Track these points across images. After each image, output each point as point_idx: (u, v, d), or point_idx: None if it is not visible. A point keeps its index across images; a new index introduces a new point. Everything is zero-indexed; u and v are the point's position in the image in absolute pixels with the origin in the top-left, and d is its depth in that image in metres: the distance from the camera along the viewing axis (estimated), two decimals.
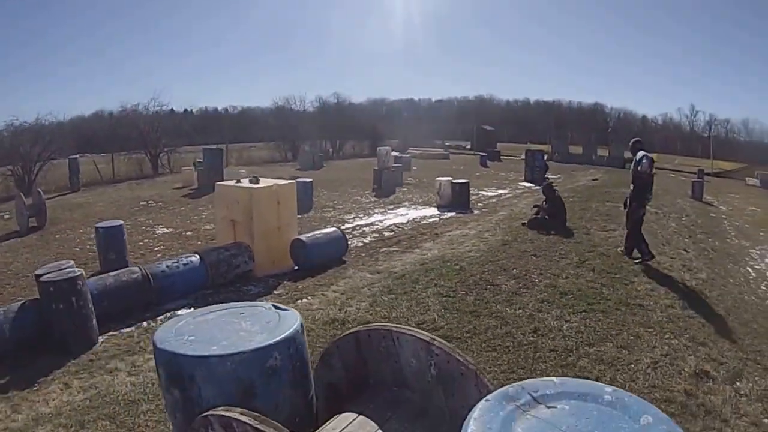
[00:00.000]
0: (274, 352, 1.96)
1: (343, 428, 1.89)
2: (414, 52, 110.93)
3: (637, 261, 7.67)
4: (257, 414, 1.62)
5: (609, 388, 1.59)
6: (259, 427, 1.56)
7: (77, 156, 19.43)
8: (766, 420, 3.79)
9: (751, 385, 4.30)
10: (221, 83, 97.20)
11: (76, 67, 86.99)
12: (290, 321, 2.17)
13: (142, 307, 5.97)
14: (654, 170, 7.88)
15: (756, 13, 78.67)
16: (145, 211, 12.93)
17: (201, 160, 18.49)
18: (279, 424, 1.57)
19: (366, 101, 50.28)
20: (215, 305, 2.54)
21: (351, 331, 2.26)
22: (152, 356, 4.65)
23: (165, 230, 10.65)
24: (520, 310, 5.70)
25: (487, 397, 1.53)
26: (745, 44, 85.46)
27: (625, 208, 8.20)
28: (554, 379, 1.63)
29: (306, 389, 2.15)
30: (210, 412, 1.76)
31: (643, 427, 1.42)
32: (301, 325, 2.23)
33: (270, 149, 33.27)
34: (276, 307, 2.32)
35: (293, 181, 8.97)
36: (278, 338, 2.01)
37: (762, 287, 7.33)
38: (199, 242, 9.40)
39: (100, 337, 5.23)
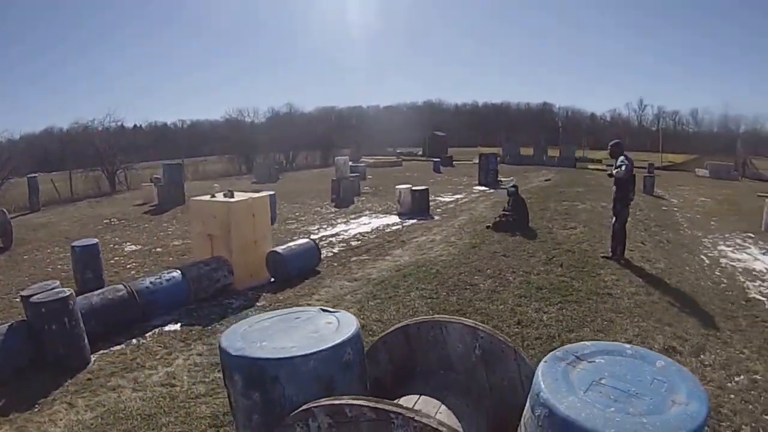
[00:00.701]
0: (348, 348, 2.18)
1: (412, 406, 2.11)
2: (362, 59, 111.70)
3: (602, 256, 8.22)
4: (368, 396, 1.80)
5: (627, 346, 2.10)
6: (378, 405, 1.67)
7: (36, 175, 18.58)
8: (729, 384, 4.35)
9: (713, 356, 4.87)
10: (169, 97, 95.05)
11: (22, 83, 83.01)
12: (350, 320, 2.40)
13: (128, 324, 5.89)
14: (634, 171, 8.02)
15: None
16: (110, 229, 12.64)
17: (159, 176, 18.04)
18: (390, 400, 1.76)
19: (315, 110, 50.01)
20: (266, 313, 2.70)
21: (399, 325, 2.50)
22: (154, 371, 4.83)
23: (134, 247, 10.45)
24: (502, 306, 6.12)
25: (545, 359, 1.95)
26: (693, 32, 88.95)
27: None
28: (587, 342, 2.11)
29: (366, 382, 2.37)
30: (312, 404, 1.86)
31: (660, 369, 1.90)
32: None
33: (224, 163, 32.67)
34: (324, 310, 2.53)
35: (266, 194, 9.02)
36: (349, 334, 2.23)
37: (716, 273, 7.93)
38: (171, 258, 9.30)
39: (92, 356, 5.17)
